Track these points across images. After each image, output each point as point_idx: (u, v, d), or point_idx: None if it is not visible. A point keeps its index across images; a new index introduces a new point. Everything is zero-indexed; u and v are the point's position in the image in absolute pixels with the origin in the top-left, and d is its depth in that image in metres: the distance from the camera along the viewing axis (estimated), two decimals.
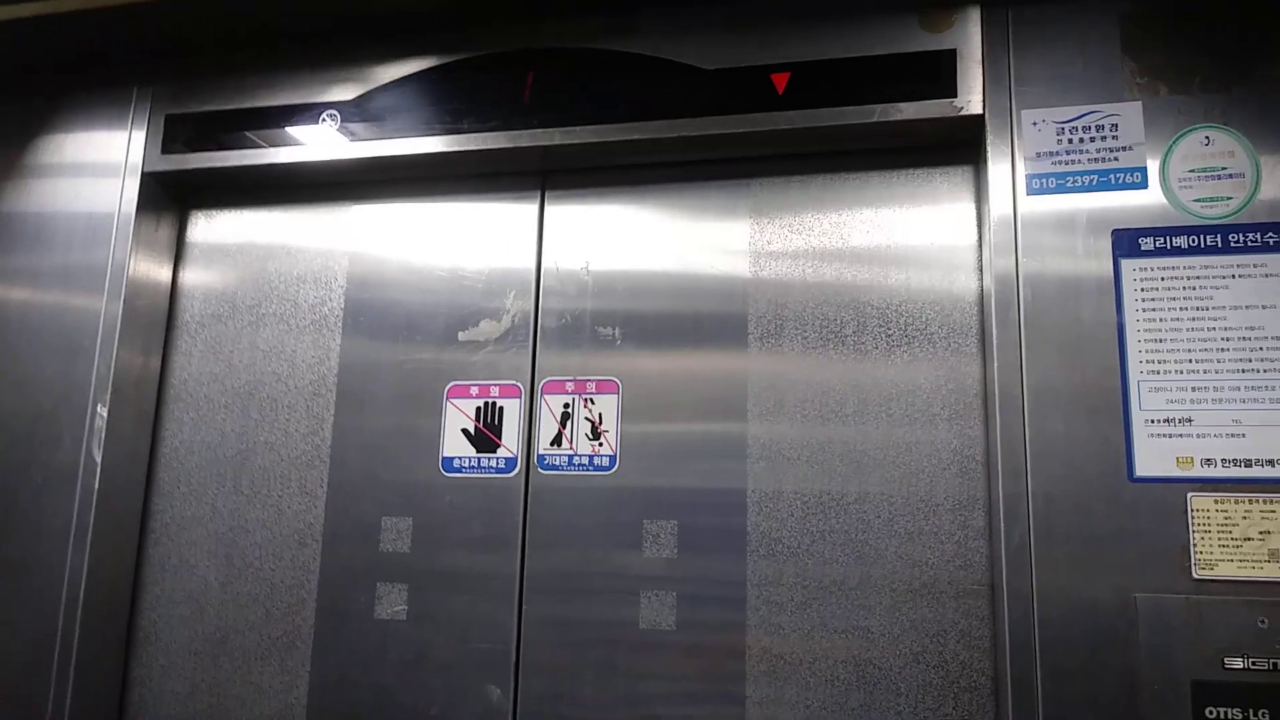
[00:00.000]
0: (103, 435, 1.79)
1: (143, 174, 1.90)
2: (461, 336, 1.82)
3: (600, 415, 1.72)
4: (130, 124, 1.93)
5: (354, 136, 1.81)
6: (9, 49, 1.94)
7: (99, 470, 1.78)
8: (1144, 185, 1.46)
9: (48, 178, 1.95)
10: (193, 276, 1.99)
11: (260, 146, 1.86)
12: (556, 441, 1.73)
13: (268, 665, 1.78)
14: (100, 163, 1.93)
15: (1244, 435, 1.37)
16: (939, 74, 1.57)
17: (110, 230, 1.88)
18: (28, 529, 1.79)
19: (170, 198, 1.98)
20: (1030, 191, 1.50)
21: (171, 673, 1.82)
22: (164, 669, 1.83)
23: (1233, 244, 1.42)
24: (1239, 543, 1.34)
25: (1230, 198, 1.43)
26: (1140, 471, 1.38)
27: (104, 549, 1.79)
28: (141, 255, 1.89)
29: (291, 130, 1.85)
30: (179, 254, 2.00)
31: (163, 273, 1.96)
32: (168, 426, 1.92)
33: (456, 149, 1.76)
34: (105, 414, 1.80)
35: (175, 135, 1.90)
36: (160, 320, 1.95)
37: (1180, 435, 1.39)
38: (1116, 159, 1.48)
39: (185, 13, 1.79)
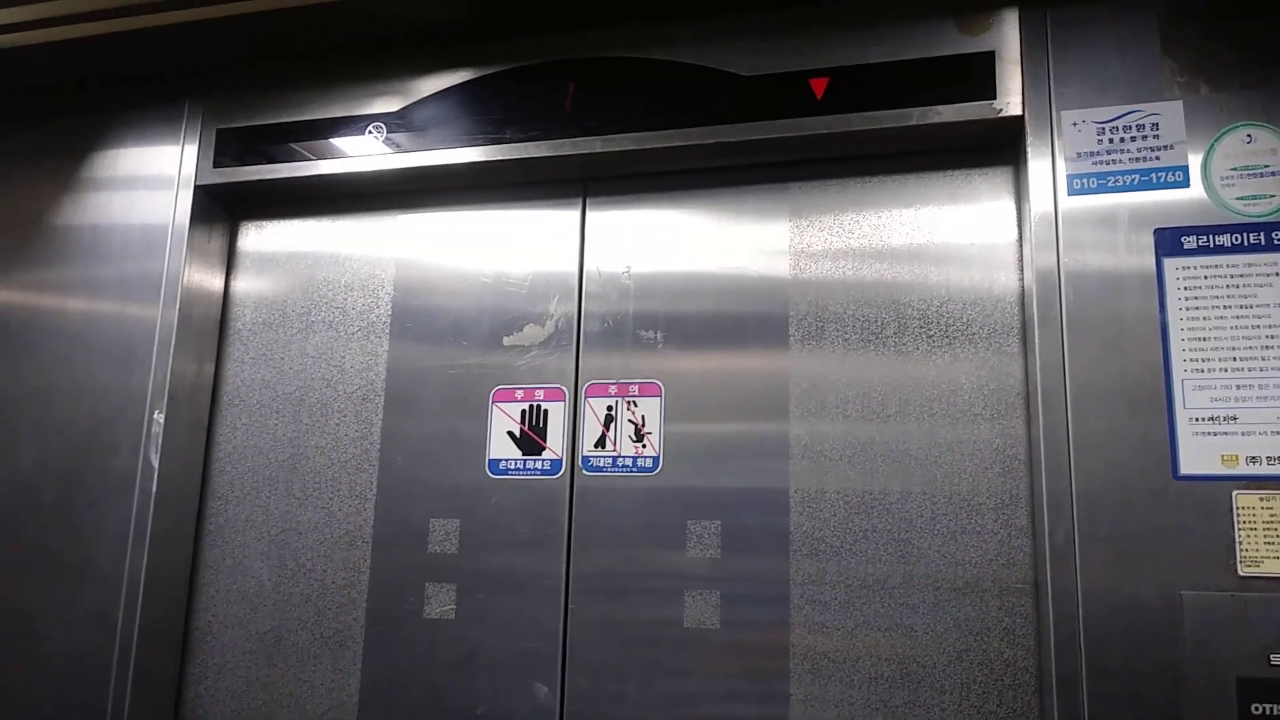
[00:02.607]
0: (160, 441, 1.84)
1: (195, 186, 1.95)
2: (506, 341, 1.85)
3: (643, 417, 1.75)
4: (183, 138, 1.99)
5: (399, 147, 1.85)
6: (65, 67, 2.01)
7: (156, 475, 1.83)
8: (1186, 184, 1.47)
9: (103, 191, 2.01)
10: (244, 285, 2.04)
11: (308, 159, 1.90)
12: (600, 443, 1.76)
13: (320, 664, 1.82)
14: (154, 176, 1.98)
15: None
16: (977, 76, 1.58)
17: (164, 241, 1.94)
18: (88, 533, 1.84)
19: (221, 209, 2.03)
20: (1071, 192, 1.51)
21: (226, 671, 1.87)
22: (219, 668, 1.87)
23: (1276, 242, 1.42)
24: None
25: (1273, 195, 1.43)
26: (1185, 469, 1.39)
27: (161, 552, 1.84)
28: (195, 265, 1.95)
29: (338, 142, 1.89)
30: (230, 264, 2.05)
31: (215, 282, 2.01)
32: (221, 432, 1.97)
33: (499, 158, 1.80)
34: (162, 420, 1.85)
35: (226, 149, 1.95)
36: (213, 328, 2.00)
37: (1225, 433, 1.39)
38: (1158, 158, 1.48)
39: (235, 30, 1.84)
